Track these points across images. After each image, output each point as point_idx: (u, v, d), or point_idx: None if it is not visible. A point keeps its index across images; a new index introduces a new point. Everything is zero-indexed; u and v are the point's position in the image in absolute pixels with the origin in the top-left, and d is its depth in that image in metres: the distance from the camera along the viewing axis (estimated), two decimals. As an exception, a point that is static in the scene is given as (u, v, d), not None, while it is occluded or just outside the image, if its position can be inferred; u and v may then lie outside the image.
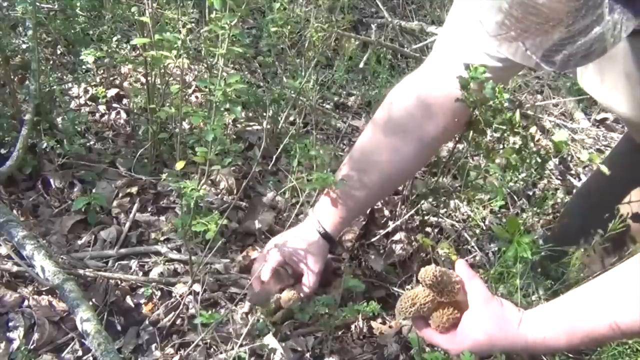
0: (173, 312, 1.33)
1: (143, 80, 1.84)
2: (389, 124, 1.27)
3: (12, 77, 1.66)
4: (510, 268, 1.15)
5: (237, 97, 1.01)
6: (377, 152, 1.30)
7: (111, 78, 2.08)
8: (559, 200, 1.98)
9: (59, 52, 2.06)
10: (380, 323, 1.44)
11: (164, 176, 1.17)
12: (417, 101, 1.24)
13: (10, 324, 1.25)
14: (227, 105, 1.01)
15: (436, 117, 1.24)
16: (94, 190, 1.62)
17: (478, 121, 1.19)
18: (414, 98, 1.25)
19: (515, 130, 1.20)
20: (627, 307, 0.89)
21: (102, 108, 1.96)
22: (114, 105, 1.98)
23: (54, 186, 1.61)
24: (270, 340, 1.28)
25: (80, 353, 1.23)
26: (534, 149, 1.25)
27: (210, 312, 1.19)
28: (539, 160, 1.24)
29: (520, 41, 0.77)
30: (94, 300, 1.32)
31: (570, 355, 1.24)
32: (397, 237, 1.68)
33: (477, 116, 1.18)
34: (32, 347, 1.22)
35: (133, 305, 1.36)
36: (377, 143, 1.30)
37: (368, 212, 1.60)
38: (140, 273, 1.45)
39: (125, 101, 2.01)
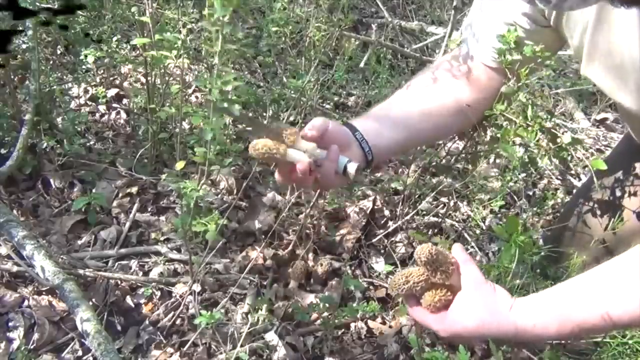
0: (173, 312, 1.34)
1: (143, 80, 1.84)
2: (431, 84, 1.26)
3: (12, 77, 1.67)
4: (508, 267, 1.14)
5: (237, 97, 1.01)
6: (413, 101, 1.25)
7: (111, 78, 2.08)
8: (559, 200, 1.98)
9: (59, 52, 2.06)
10: (380, 323, 1.44)
11: (164, 176, 1.17)
12: (454, 67, 1.25)
13: (10, 324, 1.25)
14: (225, 105, 1.00)
15: (470, 85, 1.25)
16: (94, 190, 1.62)
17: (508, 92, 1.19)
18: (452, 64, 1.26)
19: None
20: (620, 298, 0.88)
21: (102, 108, 1.96)
22: (114, 105, 1.98)
23: (54, 186, 1.61)
24: (272, 337, 1.29)
25: (80, 353, 1.24)
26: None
27: (210, 312, 1.19)
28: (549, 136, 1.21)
29: None
30: (94, 300, 1.33)
31: (571, 355, 1.24)
32: (397, 237, 1.68)
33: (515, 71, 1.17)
34: (32, 347, 1.22)
35: (133, 305, 1.36)
36: (414, 94, 1.26)
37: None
38: (140, 273, 1.45)
39: (125, 101, 2.01)
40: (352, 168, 1.03)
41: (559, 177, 2.20)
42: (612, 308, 0.88)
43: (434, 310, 1.00)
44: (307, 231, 1.58)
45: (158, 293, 1.39)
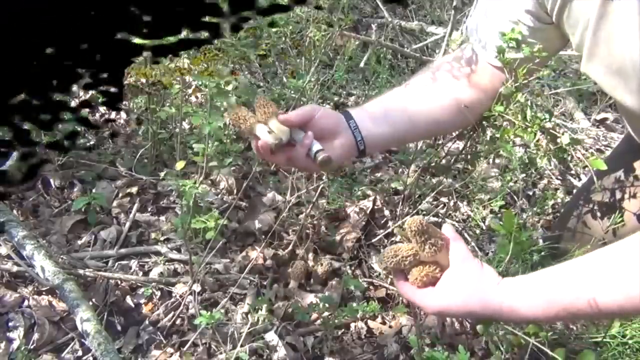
0: (173, 312, 1.34)
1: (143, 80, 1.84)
2: (431, 82, 1.26)
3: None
4: (503, 258, 1.14)
5: (238, 96, 1.01)
6: (413, 99, 1.25)
7: (111, 78, 2.08)
8: (559, 200, 1.98)
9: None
10: (380, 323, 1.44)
11: (162, 174, 1.17)
12: (456, 68, 1.25)
13: (10, 324, 1.25)
14: (224, 103, 1.01)
15: (472, 86, 1.25)
16: (94, 190, 1.62)
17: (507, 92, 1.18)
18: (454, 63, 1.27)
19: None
20: (610, 286, 0.87)
21: (102, 108, 1.96)
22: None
23: (54, 186, 1.61)
24: (272, 337, 1.29)
25: (80, 353, 1.24)
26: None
27: (210, 312, 1.19)
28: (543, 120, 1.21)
29: None
30: (94, 300, 1.33)
31: (571, 355, 1.24)
32: (397, 237, 1.68)
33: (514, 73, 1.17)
34: (32, 347, 1.22)
35: (133, 305, 1.36)
36: (414, 91, 1.27)
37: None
38: (140, 273, 1.45)
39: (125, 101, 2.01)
40: (319, 157, 1.07)
41: (559, 177, 2.20)
42: (600, 295, 0.87)
43: (420, 285, 0.99)
44: (307, 231, 1.58)
45: (158, 293, 1.39)
